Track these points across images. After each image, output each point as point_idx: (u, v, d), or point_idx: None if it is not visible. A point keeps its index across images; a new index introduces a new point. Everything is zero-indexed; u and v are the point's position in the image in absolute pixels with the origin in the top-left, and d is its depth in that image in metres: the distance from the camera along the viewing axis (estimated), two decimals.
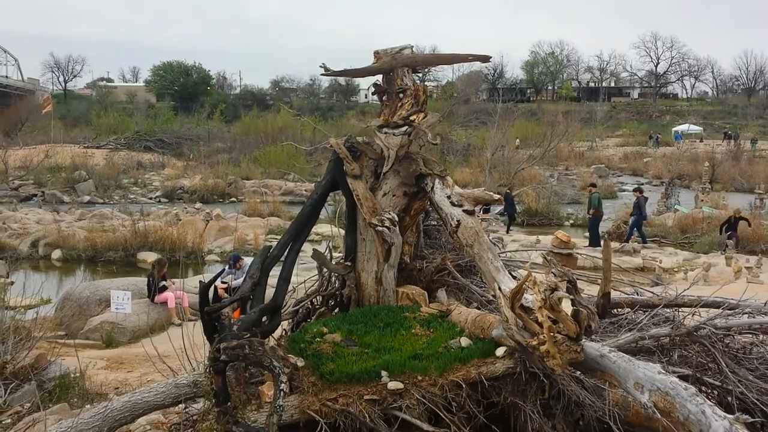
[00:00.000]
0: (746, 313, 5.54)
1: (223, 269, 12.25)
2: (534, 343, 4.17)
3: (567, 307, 4.08)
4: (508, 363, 4.47)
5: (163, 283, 12.71)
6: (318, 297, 6.07)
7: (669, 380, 3.75)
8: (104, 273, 16.67)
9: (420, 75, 6.12)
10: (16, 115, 59.28)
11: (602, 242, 7.48)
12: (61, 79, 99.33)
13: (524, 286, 4.28)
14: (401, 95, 5.71)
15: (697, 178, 35.36)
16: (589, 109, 73.15)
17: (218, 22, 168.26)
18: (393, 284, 5.57)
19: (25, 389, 6.75)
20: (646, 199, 21.75)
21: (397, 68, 5.72)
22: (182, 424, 5.27)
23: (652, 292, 6.62)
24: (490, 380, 4.42)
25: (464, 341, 4.68)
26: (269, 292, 5.00)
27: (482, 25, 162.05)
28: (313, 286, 6.47)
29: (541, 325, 4.14)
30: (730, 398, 4.83)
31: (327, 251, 6.13)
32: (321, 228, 15.24)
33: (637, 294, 6.48)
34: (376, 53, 5.82)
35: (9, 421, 6.05)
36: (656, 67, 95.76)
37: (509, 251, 9.75)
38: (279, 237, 5.66)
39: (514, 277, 4.81)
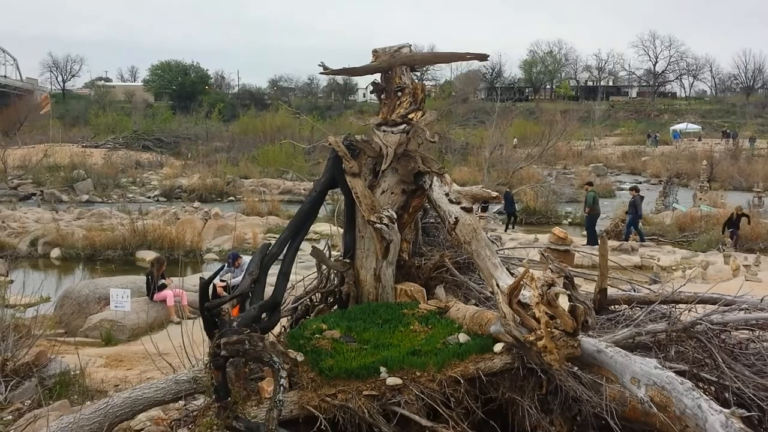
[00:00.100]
0: (742, 310, 5.57)
1: (222, 267, 12.23)
2: (531, 338, 4.21)
3: (564, 303, 4.11)
4: (505, 359, 4.50)
5: (162, 281, 12.72)
6: (317, 294, 6.10)
7: (665, 375, 3.79)
8: (103, 271, 16.71)
9: (418, 74, 6.15)
10: (14, 114, 59.15)
11: (599, 239, 7.50)
12: (60, 78, 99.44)
13: (522, 282, 4.31)
14: (399, 93, 5.73)
15: (695, 177, 35.39)
16: (588, 108, 73.04)
17: (218, 22, 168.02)
18: (391, 281, 5.60)
19: (26, 386, 6.78)
20: (642, 197, 21.77)
21: (396, 67, 5.75)
22: (182, 420, 5.31)
23: (649, 289, 6.64)
24: (488, 376, 4.45)
25: (462, 337, 4.71)
26: (268, 290, 5.03)
27: (482, 25, 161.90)
28: (312, 283, 6.50)
29: (538, 320, 4.17)
30: (726, 393, 4.87)
31: (326, 249, 6.15)
32: (320, 226, 15.29)
33: (634, 291, 6.51)
34: (375, 52, 5.85)
35: (10, 417, 6.08)
36: (654, 65, 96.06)
37: (507, 248, 9.78)
38: (277, 236, 5.68)
39: (512, 274, 4.85)
